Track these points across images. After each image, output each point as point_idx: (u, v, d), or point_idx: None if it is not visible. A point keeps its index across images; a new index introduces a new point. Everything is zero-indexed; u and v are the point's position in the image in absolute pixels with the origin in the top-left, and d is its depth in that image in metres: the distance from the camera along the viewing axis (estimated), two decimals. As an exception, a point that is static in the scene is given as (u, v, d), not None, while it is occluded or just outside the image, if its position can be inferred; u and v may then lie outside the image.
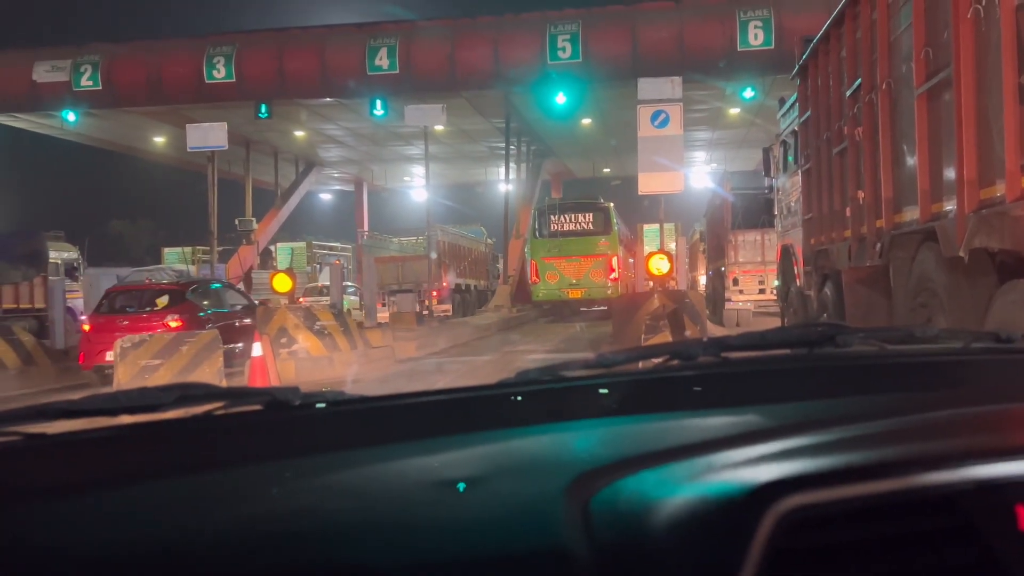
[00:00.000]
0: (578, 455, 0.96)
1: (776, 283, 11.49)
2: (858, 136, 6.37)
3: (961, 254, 4.30)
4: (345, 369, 11.32)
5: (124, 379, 8.05)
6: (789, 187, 9.89)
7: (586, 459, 0.92)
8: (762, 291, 17.08)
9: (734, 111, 24.71)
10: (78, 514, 0.86)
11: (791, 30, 19.32)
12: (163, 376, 8.09)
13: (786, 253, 10.22)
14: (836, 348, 1.35)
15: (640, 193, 20.98)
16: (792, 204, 9.72)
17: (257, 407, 1.14)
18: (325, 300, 21.17)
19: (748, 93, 21.19)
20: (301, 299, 18.94)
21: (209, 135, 18.50)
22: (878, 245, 5.91)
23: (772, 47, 19.77)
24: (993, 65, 4.12)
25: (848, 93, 6.60)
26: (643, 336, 7.42)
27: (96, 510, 0.87)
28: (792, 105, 9.46)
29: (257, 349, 10.15)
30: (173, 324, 11.39)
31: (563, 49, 20.74)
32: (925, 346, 1.48)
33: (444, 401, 1.19)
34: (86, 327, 12.28)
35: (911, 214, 5.33)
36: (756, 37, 20.13)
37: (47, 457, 1.02)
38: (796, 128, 9.01)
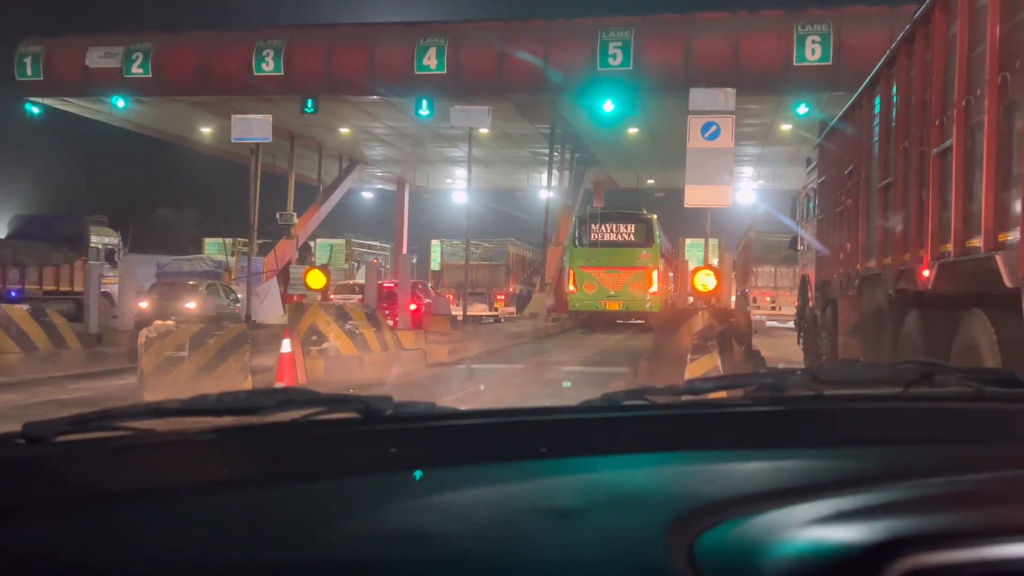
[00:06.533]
0: (678, 491, 0.94)
1: (796, 304, 14.05)
2: (849, 204, 8.46)
3: (891, 292, 6.47)
4: (375, 371, 11.06)
5: (148, 368, 7.85)
6: (809, 230, 12.25)
7: (687, 496, 0.90)
8: (773, 308, 24.19)
9: (786, 127, 24.14)
10: (185, 514, 0.87)
11: (850, 46, 18.76)
12: (188, 369, 7.88)
13: (804, 282, 12.62)
14: (933, 388, 1.33)
15: (687, 206, 20.49)
16: (809, 243, 12.10)
17: (353, 415, 1.18)
18: (356, 298, 21.11)
19: (802, 109, 20.63)
20: (331, 296, 19.33)
21: (254, 127, 18.46)
22: (856, 282, 7.98)
23: (830, 63, 19.22)
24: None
25: (846, 172, 8.72)
26: (689, 356, 7.14)
27: (201, 513, 0.88)
28: (814, 167, 11.99)
29: (286, 346, 9.95)
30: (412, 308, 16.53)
31: (614, 56, 20.39)
32: None
33: (535, 422, 1.21)
34: None
35: (873, 263, 7.36)
36: (813, 52, 19.60)
37: (159, 455, 1.06)
38: (815, 186, 11.50)
